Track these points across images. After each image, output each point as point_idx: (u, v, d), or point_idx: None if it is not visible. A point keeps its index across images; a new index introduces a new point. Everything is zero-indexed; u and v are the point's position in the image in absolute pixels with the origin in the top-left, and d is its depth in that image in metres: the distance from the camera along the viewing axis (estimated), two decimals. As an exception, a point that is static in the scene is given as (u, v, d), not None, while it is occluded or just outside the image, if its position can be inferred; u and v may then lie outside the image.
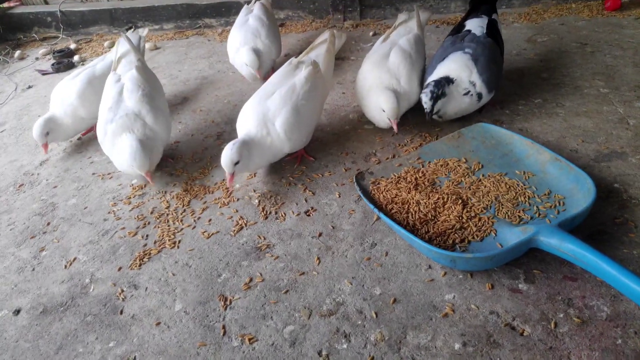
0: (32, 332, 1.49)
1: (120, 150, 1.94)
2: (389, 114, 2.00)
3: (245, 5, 2.91)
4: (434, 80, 2.01)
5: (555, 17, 3.24)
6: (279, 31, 2.95)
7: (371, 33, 3.41)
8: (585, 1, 3.37)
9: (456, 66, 2.05)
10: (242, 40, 2.66)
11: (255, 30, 2.68)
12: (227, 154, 1.78)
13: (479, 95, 2.04)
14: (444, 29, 3.33)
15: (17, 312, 1.57)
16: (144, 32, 2.78)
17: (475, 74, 2.03)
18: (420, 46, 2.29)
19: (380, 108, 2.02)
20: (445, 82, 2.00)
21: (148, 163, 1.91)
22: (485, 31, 2.17)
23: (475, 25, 2.22)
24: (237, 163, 1.79)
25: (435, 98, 1.98)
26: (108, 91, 2.13)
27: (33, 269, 1.74)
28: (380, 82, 2.08)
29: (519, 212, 1.60)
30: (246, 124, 1.92)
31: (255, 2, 3.02)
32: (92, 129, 2.53)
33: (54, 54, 3.79)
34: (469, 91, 2.02)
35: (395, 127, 2.02)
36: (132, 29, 2.90)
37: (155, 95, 2.15)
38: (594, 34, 2.89)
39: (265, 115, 1.89)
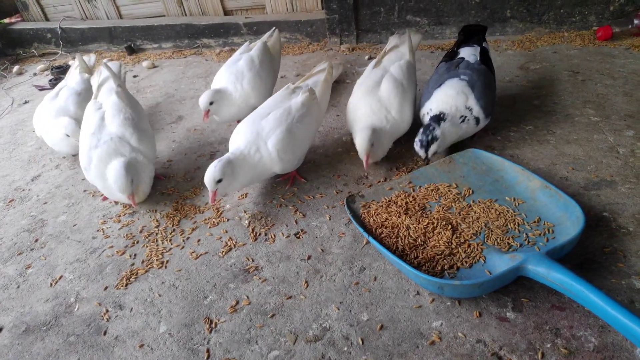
0: (13, 351, 1.47)
1: (109, 176, 1.91)
2: (359, 152, 2.02)
3: (247, 43, 2.74)
4: (422, 128, 1.99)
5: (548, 45, 3.29)
6: (274, 75, 2.71)
7: (367, 57, 3.46)
8: (577, 30, 3.43)
9: (453, 92, 2.06)
10: (224, 80, 2.47)
11: (240, 73, 2.46)
12: (211, 171, 1.78)
13: (477, 120, 2.06)
14: (438, 54, 3.38)
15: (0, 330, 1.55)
16: (91, 59, 2.93)
17: (472, 100, 2.05)
18: (412, 73, 2.31)
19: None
20: (436, 122, 1.99)
21: (130, 187, 1.88)
22: (478, 58, 2.20)
23: (469, 53, 2.25)
24: (219, 181, 1.79)
25: (427, 146, 1.98)
26: (89, 118, 2.10)
27: (18, 287, 1.72)
28: (369, 113, 2.09)
29: (508, 239, 1.60)
30: (237, 141, 1.92)
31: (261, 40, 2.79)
32: None
33: (52, 70, 3.82)
34: (465, 117, 2.04)
35: (365, 165, 2.02)
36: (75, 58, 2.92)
37: (137, 118, 2.12)
38: (586, 62, 2.94)
39: (259, 134, 1.90)
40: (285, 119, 1.94)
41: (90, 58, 2.93)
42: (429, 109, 2.09)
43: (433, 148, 1.99)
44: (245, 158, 1.86)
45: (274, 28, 2.90)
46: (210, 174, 1.78)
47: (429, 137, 1.97)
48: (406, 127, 2.16)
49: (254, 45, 2.66)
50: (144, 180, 2.00)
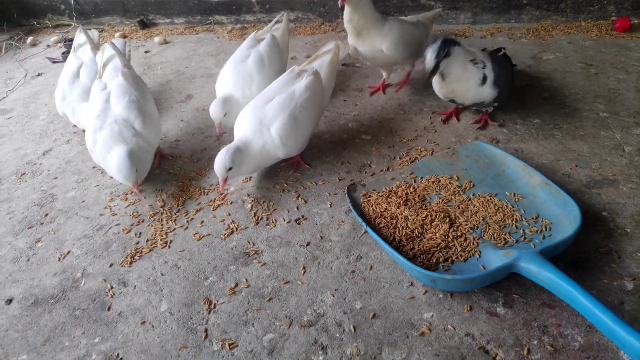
0: (22, 322, 1.54)
1: (110, 161, 1.92)
2: None
3: (254, 33, 2.57)
4: (440, 38, 1.97)
5: (563, 34, 3.23)
6: (283, 71, 2.45)
7: (379, 40, 3.42)
8: (594, 20, 3.36)
9: (469, 49, 2.09)
10: (231, 84, 2.30)
11: (249, 76, 2.30)
12: (221, 159, 1.82)
13: (484, 77, 2.04)
14: (451, 40, 3.34)
15: (10, 301, 1.62)
16: (94, 34, 2.84)
17: (488, 61, 2.07)
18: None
19: None
20: (452, 42, 1.97)
21: (134, 175, 1.88)
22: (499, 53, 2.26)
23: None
24: (230, 169, 1.83)
25: (440, 58, 1.94)
26: (94, 99, 2.12)
27: (28, 260, 1.79)
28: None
29: (505, 234, 1.62)
30: (242, 128, 1.95)
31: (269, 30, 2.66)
32: None
33: (65, 42, 3.84)
34: (477, 63, 2.03)
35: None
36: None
37: (143, 101, 2.12)
38: (600, 54, 2.89)
39: (262, 121, 1.92)
40: (289, 104, 1.96)
41: (93, 34, 2.86)
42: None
43: (444, 63, 1.97)
44: (252, 145, 1.89)
45: (282, 13, 2.75)
46: (221, 162, 1.81)
47: (445, 50, 1.94)
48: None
49: (262, 36, 2.54)
50: (146, 167, 2.01)
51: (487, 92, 2.09)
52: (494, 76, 2.05)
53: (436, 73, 2.00)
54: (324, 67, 2.20)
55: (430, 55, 1.97)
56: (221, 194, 2.00)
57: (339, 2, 2.21)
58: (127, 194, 2.07)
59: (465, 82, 2.07)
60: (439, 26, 3.60)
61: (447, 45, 1.95)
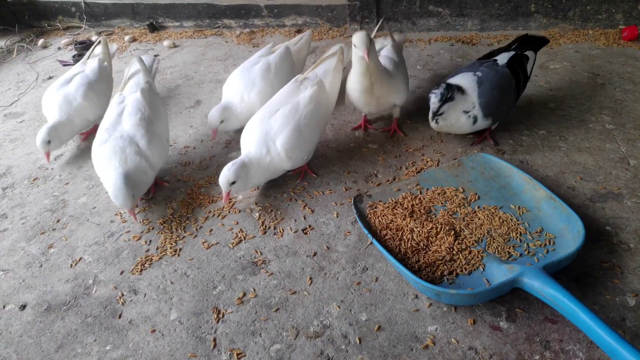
0: (36, 328, 1.58)
1: (107, 181, 1.89)
2: None
3: (269, 45, 2.65)
4: (446, 83, 2.04)
5: (571, 42, 3.24)
6: (294, 73, 2.55)
7: (386, 46, 3.44)
8: (602, 28, 3.36)
9: (462, 83, 2.10)
10: (234, 89, 2.40)
11: (251, 82, 2.37)
12: (225, 174, 1.85)
13: (474, 118, 2.08)
14: (458, 47, 3.35)
15: (23, 307, 1.66)
16: (113, 47, 2.89)
17: (475, 96, 2.07)
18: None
19: None
20: (457, 89, 2.03)
21: (130, 201, 1.84)
22: (506, 62, 2.20)
23: (503, 57, 2.25)
24: (233, 183, 1.86)
25: (444, 101, 2.00)
26: (110, 112, 2.14)
27: (41, 266, 1.83)
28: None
29: (509, 248, 1.64)
30: (248, 143, 1.98)
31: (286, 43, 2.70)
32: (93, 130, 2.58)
33: (75, 44, 3.89)
34: (469, 111, 2.07)
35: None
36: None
37: (154, 120, 2.10)
38: (608, 64, 2.89)
39: (267, 134, 1.95)
40: (293, 117, 1.98)
41: (112, 46, 2.90)
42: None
43: (445, 107, 2.02)
44: (258, 161, 1.92)
45: (308, 31, 2.81)
46: (225, 177, 1.85)
47: (449, 95, 2.00)
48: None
49: (277, 48, 2.60)
50: (143, 190, 1.98)
51: (482, 125, 2.13)
52: (482, 110, 2.07)
53: (437, 116, 2.06)
54: (328, 74, 2.20)
55: (434, 99, 2.03)
56: (229, 202, 2.03)
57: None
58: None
59: (459, 128, 2.13)
60: (446, 32, 3.61)
61: (451, 91, 2.01)
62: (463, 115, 2.07)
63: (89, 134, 2.61)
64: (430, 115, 2.06)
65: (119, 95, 2.22)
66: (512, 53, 2.27)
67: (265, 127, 1.97)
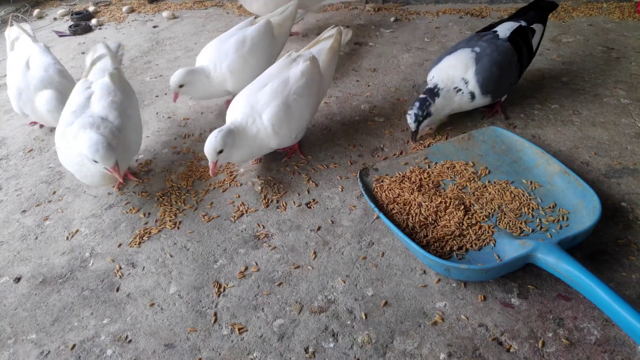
0: (31, 301, 1.53)
1: (80, 146, 1.68)
2: None
3: (251, 18, 2.50)
4: (418, 100, 1.97)
5: (584, 16, 3.13)
6: (268, 60, 2.41)
7: (392, 19, 3.34)
8: (617, 1, 3.24)
9: (456, 63, 2.03)
10: (207, 58, 2.27)
11: (224, 54, 2.25)
12: (211, 141, 1.73)
13: (472, 95, 2.00)
14: (467, 19, 3.24)
15: (18, 279, 1.61)
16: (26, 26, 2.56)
17: (471, 72, 1.99)
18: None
19: None
20: (431, 97, 1.97)
21: (113, 155, 1.66)
22: (508, 35, 2.09)
23: (504, 29, 2.11)
24: (220, 152, 1.74)
25: (420, 121, 1.98)
26: (74, 96, 1.90)
27: (36, 238, 1.77)
28: None
29: (521, 223, 1.58)
30: (234, 114, 1.86)
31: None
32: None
33: (72, 15, 3.78)
34: (459, 89, 2.00)
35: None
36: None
37: (127, 105, 1.92)
38: (622, 38, 2.79)
39: (254, 107, 1.84)
40: (282, 91, 1.86)
41: (26, 26, 2.59)
42: (432, 76, 2.07)
43: (425, 123, 2.00)
44: (244, 129, 1.81)
45: (292, 2, 2.62)
46: (211, 144, 1.73)
47: (424, 113, 1.96)
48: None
49: (259, 20, 2.46)
50: (121, 164, 1.76)
51: (481, 102, 2.05)
52: (479, 87, 1.99)
53: (418, 134, 2.04)
54: (323, 52, 2.07)
55: (409, 120, 1.98)
56: (230, 173, 1.97)
57: None
58: (135, 173, 2.04)
59: (458, 109, 2.08)
60: (455, 5, 3.50)
61: (425, 108, 1.96)
62: (456, 95, 2.01)
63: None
64: (412, 137, 2.06)
65: (84, 81, 1.97)
66: (515, 25, 2.13)
67: (252, 100, 1.86)
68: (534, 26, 2.16)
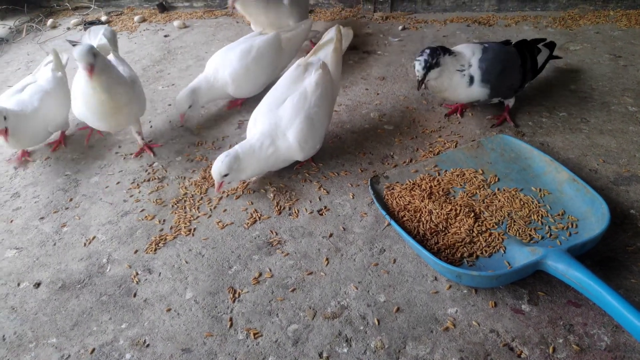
0: (51, 306, 1.57)
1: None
2: None
3: (259, 30, 2.64)
4: (429, 48, 1.99)
5: (591, 24, 3.15)
6: (273, 72, 2.51)
7: (400, 27, 3.38)
8: (624, 9, 3.27)
9: (464, 50, 2.09)
10: (213, 66, 2.40)
11: (228, 62, 2.36)
12: (217, 166, 1.81)
13: (471, 79, 2.04)
14: (474, 28, 3.28)
15: (38, 285, 1.65)
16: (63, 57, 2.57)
17: (476, 58, 2.04)
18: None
19: None
20: (442, 51, 2.00)
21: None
22: (514, 43, 2.19)
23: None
24: (226, 175, 1.82)
25: (428, 68, 1.97)
26: (77, 78, 2.07)
27: (54, 244, 1.82)
28: None
29: (531, 230, 1.61)
30: (252, 132, 1.92)
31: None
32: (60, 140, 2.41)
33: (84, 24, 3.85)
34: (463, 69, 2.04)
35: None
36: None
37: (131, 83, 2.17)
38: (630, 46, 2.81)
39: (278, 125, 1.88)
40: (303, 106, 1.90)
41: (63, 57, 2.59)
42: None
43: (432, 75, 2.00)
44: (254, 152, 1.84)
45: (309, 20, 2.78)
46: (217, 168, 1.81)
47: (434, 61, 1.97)
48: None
49: (267, 33, 2.55)
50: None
51: (477, 91, 2.08)
52: (480, 74, 2.03)
53: (423, 84, 2.03)
54: (329, 56, 2.10)
55: (418, 67, 1.99)
56: (242, 181, 2.00)
57: None
58: (150, 180, 2.08)
59: (453, 89, 2.09)
60: (462, 13, 3.53)
61: (435, 56, 1.97)
62: (457, 74, 2.04)
63: (58, 145, 2.38)
64: (417, 84, 2.03)
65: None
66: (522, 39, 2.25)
67: (274, 118, 1.89)
68: (541, 46, 2.26)
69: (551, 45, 2.33)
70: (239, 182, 2.01)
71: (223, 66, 2.36)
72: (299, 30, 2.65)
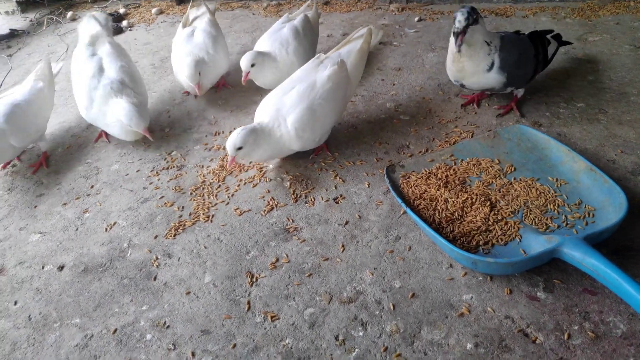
0: (74, 288, 1.62)
1: (114, 113, 2.11)
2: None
3: (286, 14, 2.69)
4: (467, 7, 1.94)
5: (611, 14, 3.11)
6: (314, 49, 2.66)
7: (416, 18, 3.36)
8: (645, 0, 3.21)
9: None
10: (269, 44, 2.44)
11: (285, 41, 2.42)
12: (233, 137, 1.80)
13: (492, 63, 2.03)
14: (491, 19, 3.25)
15: (61, 268, 1.70)
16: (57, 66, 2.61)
17: (496, 44, 2.02)
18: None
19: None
20: (479, 15, 1.96)
21: (144, 122, 2.10)
22: (527, 33, 2.18)
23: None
24: (240, 148, 1.81)
25: (470, 20, 1.90)
26: (84, 62, 2.30)
27: (77, 229, 1.87)
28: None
29: (547, 219, 1.61)
30: (261, 114, 1.93)
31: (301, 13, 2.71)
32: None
33: (104, 17, 3.89)
34: (490, 46, 2.02)
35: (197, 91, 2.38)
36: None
37: (131, 65, 2.39)
38: (650, 36, 2.77)
39: (279, 111, 1.89)
40: (308, 96, 1.90)
41: (57, 65, 2.63)
42: None
43: (470, 31, 1.92)
44: (270, 132, 1.86)
45: (313, 1, 2.85)
46: (232, 140, 1.80)
47: (474, 16, 1.93)
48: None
49: (294, 16, 2.64)
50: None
51: (494, 78, 2.06)
52: (499, 61, 2.02)
53: (463, 37, 1.93)
54: (352, 54, 2.10)
55: (460, 17, 1.91)
56: (260, 169, 2.03)
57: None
58: (168, 168, 2.12)
59: (476, 63, 2.04)
60: (479, 5, 3.51)
61: (476, 12, 1.94)
62: (484, 48, 2.01)
63: (38, 167, 2.25)
64: (455, 35, 1.94)
65: (87, 48, 2.37)
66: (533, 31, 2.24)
67: (278, 103, 1.91)
68: (550, 38, 2.26)
69: (558, 37, 2.32)
70: (256, 171, 2.03)
71: (282, 45, 2.42)
72: (313, 11, 2.75)
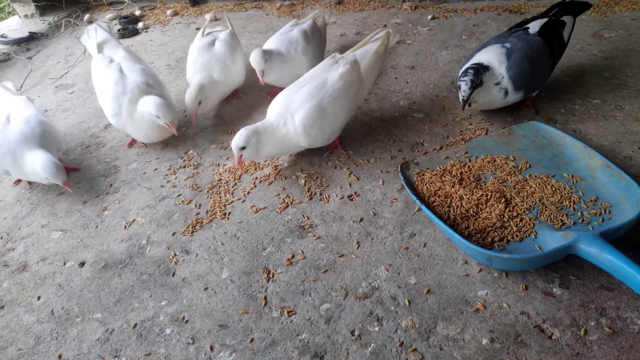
0: (95, 284, 1.66)
1: (143, 106, 2.12)
2: None
3: (295, 20, 2.72)
4: (472, 68, 1.98)
5: (627, 10, 3.07)
6: (323, 53, 2.69)
7: (430, 17, 3.36)
8: (662, -5, 3.17)
9: (488, 58, 2.04)
10: (278, 43, 2.45)
11: (294, 40, 2.45)
12: (236, 139, 1.84)
13: (505, 91, 2.02)
14: (505, 16, 3.24)
15: (82, 264, 1.74)
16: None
17: (504, 68, 2.00)
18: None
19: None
20: (483, 69, 1.99)
21: (171, 113, 2.12)
22: (538, 29, 2.10)
23: (535, 25, 2.15)
24: (243, 148, 1.85)
25: (474, 87, 1.96)
26: (104, 70, 2.27)
27: (97, 227, 1.91)
28: None
29: (562, 216, 1.61)
30: (271, 111, 1.96)
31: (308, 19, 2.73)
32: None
33: (120, 19, 3.96)
34: (499, 82, 2.01)
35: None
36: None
37: (149, 67, 2.41)
38: (668, 32, 2.74)
39: (288, 107, 1.91)
40: (318, 93, 1.92)
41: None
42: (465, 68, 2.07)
43: (476, 93, 1.98)
44: (273, 130, 1.88)
45: (318, 12, 2.93)
46: (235, 140, 1.85)
47: (478, 80, 1.95)
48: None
49: (303, 21, 2.66)
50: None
51: (513, 98, 2.06)
52: (512, 84, 2.00)
53: (468, 102, 2.00)
54: (367, 55, 2.11)
55: (464, 86, 1.97)
56: (274, 167, 2.05)
57: None
58: (185, 167, 2.16)
59: (491, 102, 2.08)
60: (493, 2, 3.49)
61: (479, 75, 1.96)
62: (495, 88, 2.02)
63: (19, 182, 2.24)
64: (462, 103, 2.00)
65: (102, 56, 2.35)
66: (545, 20, 2.16)
67: (288, 100, 1.93)
68: (564, 18, 2.19)
69: (572, 7, 2.25)
70: (271, 169, 2.06)
71: (291, 44, 2.44)
72: (321, 19, 2.81)
